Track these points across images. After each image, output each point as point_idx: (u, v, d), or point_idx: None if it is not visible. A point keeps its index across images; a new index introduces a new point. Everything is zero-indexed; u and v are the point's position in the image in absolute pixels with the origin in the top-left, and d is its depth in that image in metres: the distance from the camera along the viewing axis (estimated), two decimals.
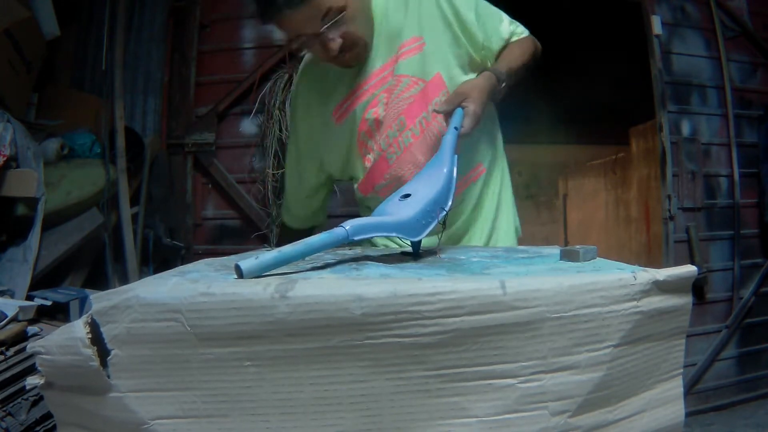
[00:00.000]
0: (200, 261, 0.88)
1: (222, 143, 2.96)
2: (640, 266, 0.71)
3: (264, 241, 2.87)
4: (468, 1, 1.20)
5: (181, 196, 2.94)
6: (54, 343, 0.64)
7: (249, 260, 0.67)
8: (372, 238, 0.96)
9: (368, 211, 1.26)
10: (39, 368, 0.65)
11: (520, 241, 1.34)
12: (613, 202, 5.39)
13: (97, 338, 0.62)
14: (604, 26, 3.92)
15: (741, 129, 3.22)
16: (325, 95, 1.24)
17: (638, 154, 4.58)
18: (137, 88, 2.94)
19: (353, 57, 1.16)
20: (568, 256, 0.81)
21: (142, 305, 0.61)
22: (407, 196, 0.91)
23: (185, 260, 2.81)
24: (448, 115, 1.09)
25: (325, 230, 0.76)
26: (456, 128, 1.04)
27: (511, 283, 0.62)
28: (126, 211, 2.63)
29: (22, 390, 1.54)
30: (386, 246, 1.24)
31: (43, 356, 0.64)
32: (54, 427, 0.92)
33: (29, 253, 2.14)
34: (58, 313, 1.92)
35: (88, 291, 2.12)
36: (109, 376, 0.62)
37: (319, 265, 0.77)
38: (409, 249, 0.93)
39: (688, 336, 0.71)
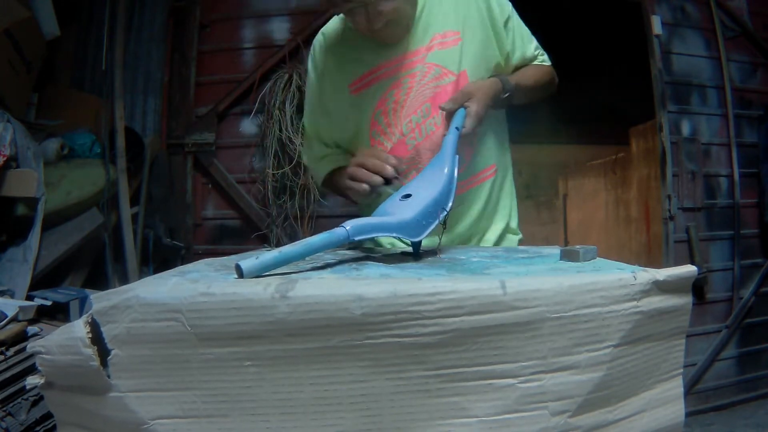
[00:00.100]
0: (200, 261, 0.88)
1: (222, 143, 2.96)
2: (640, 266, 0.71)
3: (264, 241, 2.87)
4: (504, 9, 1.22)
5: (181, 196, 2.94)
6: (54, 343, 0.64)
7: (249, 260, 0.67)
8: (374, 238, 0.96)
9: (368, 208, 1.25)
10: (39, 368, 0.65)
11: (520, 241, 1.34)
12: (613, 202, 5.39)
13: (97, 338, 0.62)
14: (604, 26, 3.92)
15: (741, 129, 3.22)
16: (342, 64, 1.22)
17: (638, 154, 4.58)
18: (137, 88, 2.95)
19: (393, 34, 1.16)
20: (568, 256, 0.81)
21: (142, 305, 0.61)
22: (408, 196, 0.90)
23: (185, 260, 2.81)
24: (450, 114, 1.09)
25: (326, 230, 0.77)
26: (457, 128, 1.04)
27: (511, 283, 0.62)
28: (126, 211, 2.63)
29: (22, 390, 1.54)
30: (392, 245, 1.23)
31: (43, 356, 0.64)
32: (54, 427, 0.92)
33: (29, 253, 2.14)
34: (58, 313, 1.92)
35: (88, 291, 2.12)
36: (109, 376, 0.62)
37: (319, 265, 0.77)
38: (410, 249, 0.93)
39: (688, 336, 0.71)
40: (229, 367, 0.61)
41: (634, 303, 0.64)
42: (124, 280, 2.52)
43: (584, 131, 5.76)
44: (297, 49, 2.88)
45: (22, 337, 1.66)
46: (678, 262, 2.72)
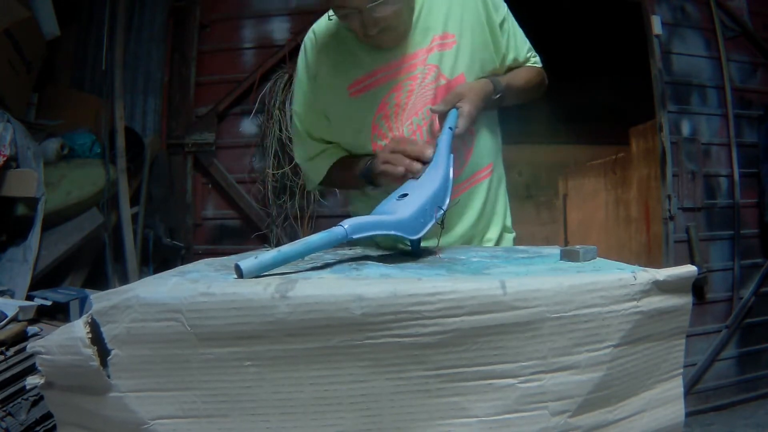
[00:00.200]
0: (200, 261, 0.88)
1: (222, 143, 2.97)
2: (640, 266, 0.71)
3: (264, 241, 2.87)
4: (499, 11, 1.22)
5: (181, 196, 2.94)
6: (54, 343, 0.64)
7: (249, 260, 0.67)
8: (373, 237, 0.96)
9: (366, 200, 1.25)
10: (39, 368, 0.65)
11: (520, 241, 1.34)
12: (613, 202, 5.38)
13: (97, 338, 0.62)
14: (604, 26, 3.92)
15: (741, 129, 3.23)
16: (337, 65, 1.20)
17: (638, 154, 4.58)
18: (137, 88, 2.95)
19: (389, 40, 1.14)
20: (568, 256, 0.81)
21: (142, 305, 0.61)
22: (405, 195, 0.91)
23: (185, 260, 2.82)
24: (442, 115, 1.09)
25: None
26: (450, 128, 1.04)
27: (511, 283, 0.62)
28: (126, 211, 2.63)
29: (22, 390, 1.54)
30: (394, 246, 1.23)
31: (43, 356, 0.64)
32: (54, 427, 0.92)
33: (29, 253, 2.14)
34: (58, 313, 1.92)
35: (88, 291, 2.13)
36: (109, 376, 0.62)
37: (319, 265, 0.77)
38: (410, 249, 0.93)
39: (688, 336, 0.71)
40: (229, 367, 0.61)
41: (634, 303, 0.64)
42: (124, 280, 2.52)
43: (584, 131, 5.76)
44: (297, 49, 2.85)
45: (22, 337, 1.66)
46: (678, 262, 2.72)
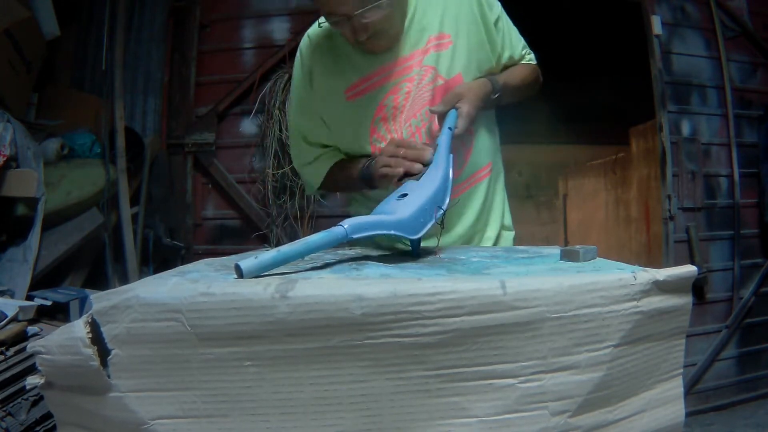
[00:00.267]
0: (200, 261, 0.88)
1: (222, 143, 2.97)
2: (640, 266, 0.71)
3: (264, 241, 2.87)
4: (494, 9, 1.22)
5: (181, 196, 2.94)
6: (54, 343, 0.64)
7: (249, 260, 0.67)
8: (373, 237, 0.96)
9: (366, 200, 1.25)
10: (39, 368, 0.65)
11: (520, 240, 1.34)
12: (613, 202, 5.38)
13: (97, 338, 0.62)
14: (604, 26, 3.93)
15: (741, 129, 3.23)
16: (333, 69, 1.20)
17: (638, 154, 4.58)
18: (137, 88, 2.95)
19: (379, 45, 1.14)
20: (568, 256, 0.81)
21: (142, 305, 0.61)
22: (404, 195, 0.91)
23: (185, 260, 2.82)
24: (442, 116, 1.09)
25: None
26: (450, 129, 1.04)
27: (511, 283, 0.62)
28: (126, 211, 2.63)
29: (22, 390, 1.54)
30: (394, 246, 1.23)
31: (43, 356, 0.64)
32: (54, 427, 0.92)
33: (29, 253, 2.14)
34: (58, 313, 1.92)
35: (88, 291, 2.13)
36: (109, 376, 0.62)
37: (318, 265, 0.77)
38: (410, 249, 0.93)
39: (688, 336, 0.71)
40: (229, 367, 0.61)
41: (634, 303, 0.64)
42: (124, 280, 2.52)
43: (584, 131, 5.77)
44: (297, 49, 2.88)
45: (22, 337, 1.66)
46: (678, 262, 2.72)
